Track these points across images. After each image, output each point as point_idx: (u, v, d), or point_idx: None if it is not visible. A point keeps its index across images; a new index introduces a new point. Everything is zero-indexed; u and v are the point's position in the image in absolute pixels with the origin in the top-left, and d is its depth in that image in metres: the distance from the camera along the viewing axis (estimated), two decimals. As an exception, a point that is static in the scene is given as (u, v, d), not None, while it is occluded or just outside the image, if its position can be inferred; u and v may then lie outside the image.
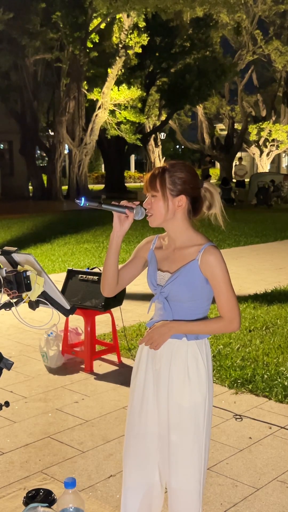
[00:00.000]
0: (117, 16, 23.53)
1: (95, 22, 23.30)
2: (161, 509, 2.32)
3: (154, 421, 2.21)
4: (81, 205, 2.08)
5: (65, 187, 27.29)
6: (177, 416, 2.15)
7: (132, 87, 24.53)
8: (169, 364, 2.16)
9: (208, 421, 2.19)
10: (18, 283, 2.07)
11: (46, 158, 28.44)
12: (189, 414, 2.14)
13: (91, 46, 23.74)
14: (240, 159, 30.58)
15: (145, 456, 2.24)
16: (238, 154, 39.78)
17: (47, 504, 2.46)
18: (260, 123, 34.53)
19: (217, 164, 40.91)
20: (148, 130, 31.12)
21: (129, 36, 24.01)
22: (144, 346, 2.24)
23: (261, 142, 35.00)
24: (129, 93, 24.08)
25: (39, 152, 34.52)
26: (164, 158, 38.24)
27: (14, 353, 5.29)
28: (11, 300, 2.10)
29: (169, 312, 2.18)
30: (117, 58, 23.84)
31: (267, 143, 34.94)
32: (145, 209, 2.16)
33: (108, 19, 23.39)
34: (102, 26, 23.52)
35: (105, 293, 2.30)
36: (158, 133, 33.86)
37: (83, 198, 2.09)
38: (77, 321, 5.36)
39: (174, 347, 2.16)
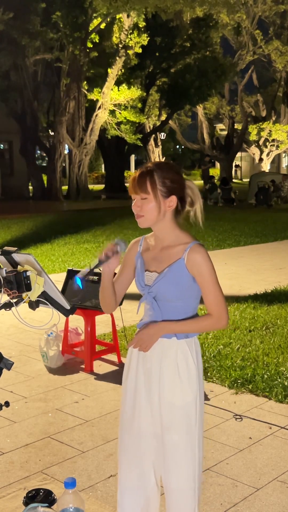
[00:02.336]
0: (117, 16, 23.54)
1: (95, 22, 23.31)
2: (158, 509, 2.33)
3: (147, 421, 2.21)
4: (81, 287, 2.13)
5: (65, 187, 27.30)
6: (169, 416, 2.16)
7: (132, 87, 24.54)
8: (159, 363, 2.17)
9: (200, 419, 2.20)
10: (18, 283, 2.07)
11: (46, 158, 28.45)
12: (181, 413, 2.15)
13: (91, 46, 23.75)
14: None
15: (140, 457, 2.24)
16: (239, 154, 39.80)
17: (47, 504, 2.46)
18: (260, 123, 34.52)
19: (217, 164, 40.92)
20: (148, 130, 31.12)
21: (129, 36, 24.02)
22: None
23: (261, 142, 35.00)
24: (129, 93, 24.08)
25: (39, 152, 34.52)
26: (164, 158, 38.21)
27: (14, 353, 5.29)
28: (11, 300, 2.11)
29: (158, 312, 2.18)
30: (117, 58, 23.84)
31: (267, 143, 34.93)
32: (124, 243, 2.16)
33: (108, 19, 23.40)
34: (102, 26, 23.53)
35: (106, 312, 2.36)
36: (158, 133, 33.85)
37: (77, 279, 2.10)
38: (77, 321, 5.36)
39: (164, 347, 2.16)
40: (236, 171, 46.52)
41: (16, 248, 2.15)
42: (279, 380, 4.47)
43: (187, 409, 2.15)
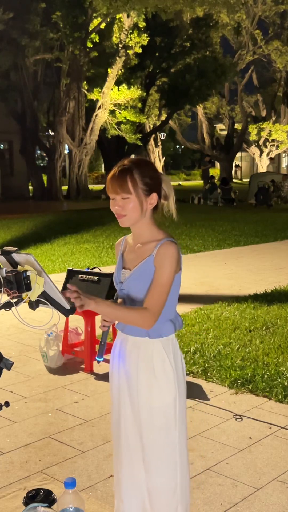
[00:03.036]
0: (117, 16, 23.54)
1: (95, 22, 23.31)
2: None
3: (131, 421, 2.22)
4: (103, 359, 2.29)
5: (65, 187, 27.30)
6: (148, 416, 2.16)
7: (132, 87, 24.54)
8: (136, 365, 2.16)
9: (180, 420, 2.19)
10: (18, 283, 2.06)
11: (46, 158, 28.46)
12: (159, 414, 2.15)
13: (91, 46, 23.76)
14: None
15: (130, 455, 2.24)
16: (239, 154, 39.78)
17: (47, 504, 2.46)
18: (260, 123, 34.54)
19: (217, 164, 40.94)
20: (148, 130, 31.12)
21: (129, 36, 24.02)
22: (116, 346, 2.25)
23: (261, 142, 35.00)
24: (129, 93, 24.08)
25: (39, 152, 34.53)
26: (164, 158, 38.23)
27: (14, 353, 5.29)
28: (11, 300, 2.10)
29: None
30: (117, 58, 23.84)
31: (267, 143, 34.94)
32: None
33: (108, 19, 23.40)
34: (102, 26, 23.53)
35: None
36: (158, 133, 33.86)
37: (97, 358, 2.28)
38: (77, 321, 5.36)
39: (140, 349, 2.16)
40: (236, 171, 46.55)
41: (16, 248, 2.14)
42: (279, 380, 4.47)
43: (165, 410, 2.15)
